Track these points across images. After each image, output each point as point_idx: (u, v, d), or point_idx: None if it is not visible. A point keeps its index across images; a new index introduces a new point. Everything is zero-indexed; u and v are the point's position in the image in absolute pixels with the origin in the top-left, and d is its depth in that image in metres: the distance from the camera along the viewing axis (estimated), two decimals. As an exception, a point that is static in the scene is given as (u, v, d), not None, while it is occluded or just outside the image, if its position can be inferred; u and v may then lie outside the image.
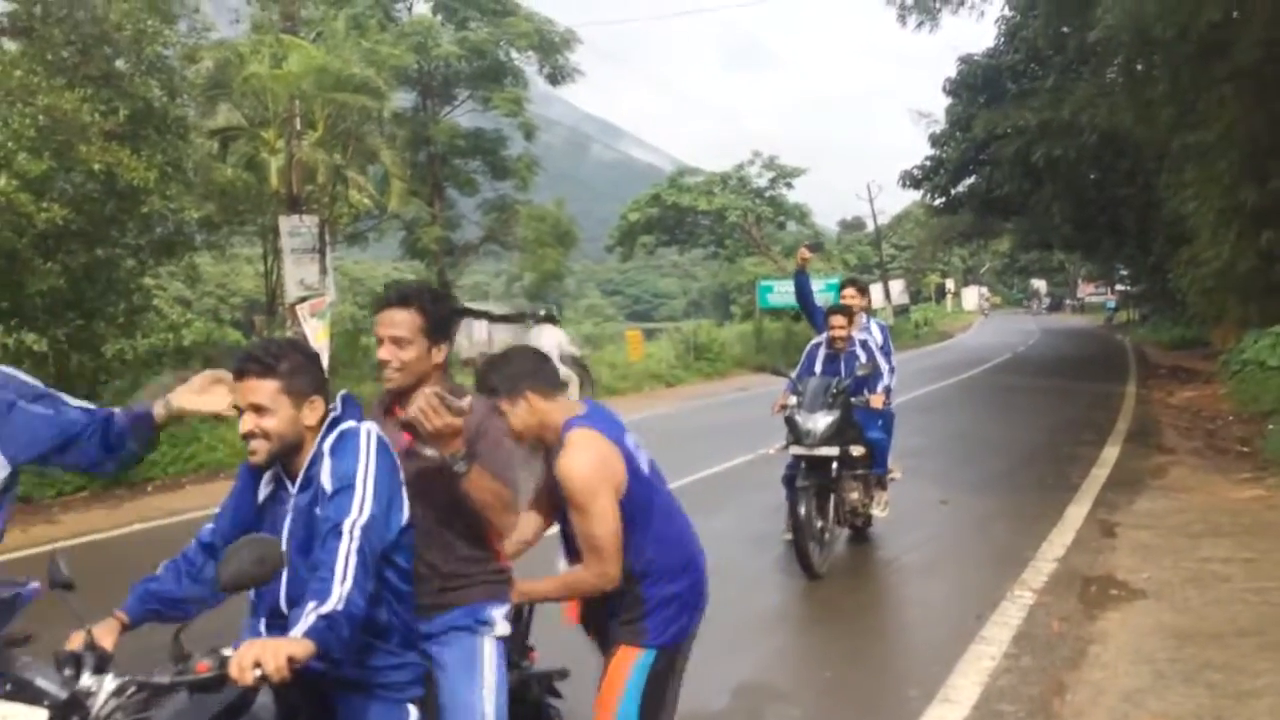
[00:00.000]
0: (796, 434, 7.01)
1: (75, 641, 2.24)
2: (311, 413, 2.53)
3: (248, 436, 2.48)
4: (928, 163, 34.08)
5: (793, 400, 7.16)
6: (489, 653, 2.81)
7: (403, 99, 26.98)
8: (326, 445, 2.48)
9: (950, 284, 77.58)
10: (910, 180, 34.48)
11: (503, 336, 30.55)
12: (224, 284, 37.29)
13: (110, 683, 2.07)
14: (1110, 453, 12.22)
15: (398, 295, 2.83)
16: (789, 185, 44.49)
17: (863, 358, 7.42)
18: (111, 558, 9.17)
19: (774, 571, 7.31)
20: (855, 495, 7.43)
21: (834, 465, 7.01)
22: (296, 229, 15.15)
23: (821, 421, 6.94)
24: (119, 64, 11.11)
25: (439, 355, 2.83)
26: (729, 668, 5.36)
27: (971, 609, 6.24)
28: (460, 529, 2.80)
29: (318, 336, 15.24)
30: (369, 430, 2.50)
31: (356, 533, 2.31)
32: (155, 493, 11.49)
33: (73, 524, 10.09)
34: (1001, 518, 9.06)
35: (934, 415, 17.04)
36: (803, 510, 6.71)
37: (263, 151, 15.05)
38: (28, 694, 2.02)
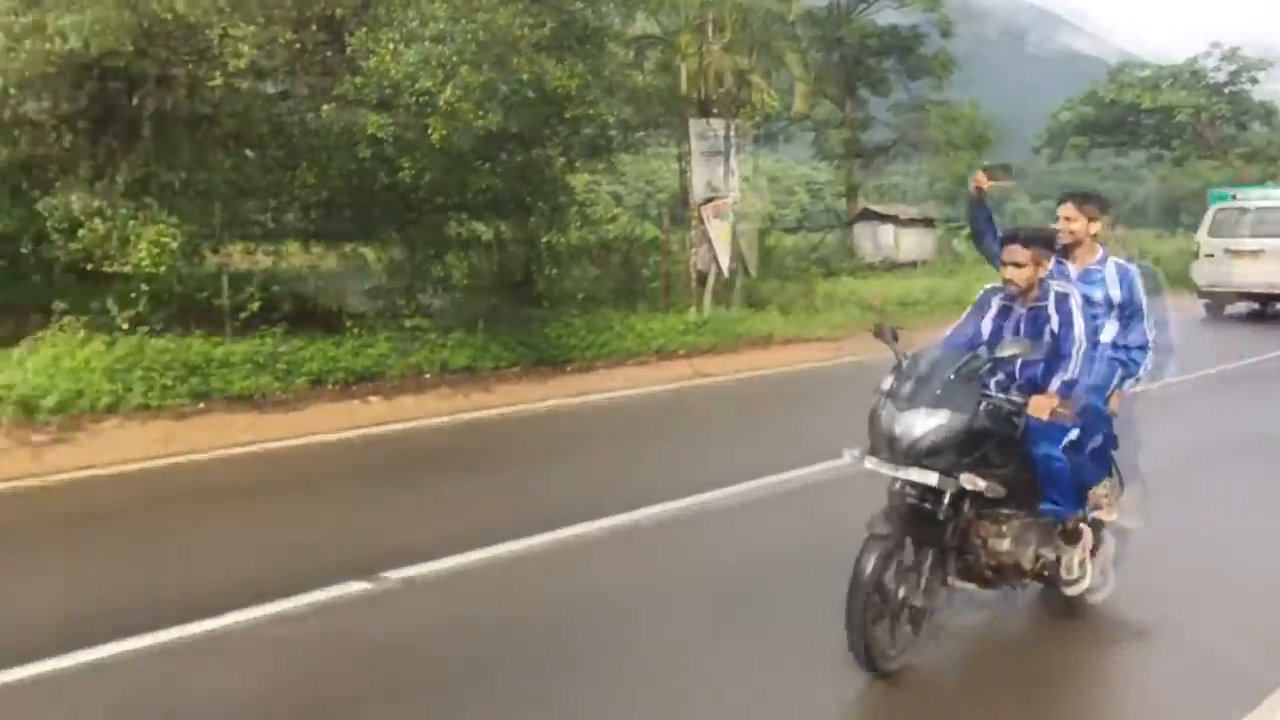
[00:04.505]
0: (875, 439, 4.49)
1: None
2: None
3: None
4: None
5: (886, 384, 4.57)
6: None
7: (818, -2, 26.82)
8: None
9: None
10: None
11: (909, 241, 30.05)
12: (651, 180, 39.72)
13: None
14: None
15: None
16: (1254, 80, 38.98)
17: (1054, 322, 4.70)
18: (531, 427, 10.54)
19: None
20: (1005, 545, 4.71)
21: (943, 499, 4.41)
22: (704, 132, 15.84)
23: (920, 423, 4.34)
24: (548, -22, 12.22)
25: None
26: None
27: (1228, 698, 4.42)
28: None
29: (720, 236, 15.99)
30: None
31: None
32: (572, 373, 12.84)
33: (504, 394, 11.59)
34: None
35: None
36: (869, 568, 4.26)
37: (676, 58, 15.85)
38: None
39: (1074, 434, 4.71)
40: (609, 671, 4.68)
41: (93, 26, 9.14)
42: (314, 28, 10.59)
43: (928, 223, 30.41)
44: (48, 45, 9.29)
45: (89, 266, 10.33)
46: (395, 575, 5.68)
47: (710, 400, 12.33)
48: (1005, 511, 4.68)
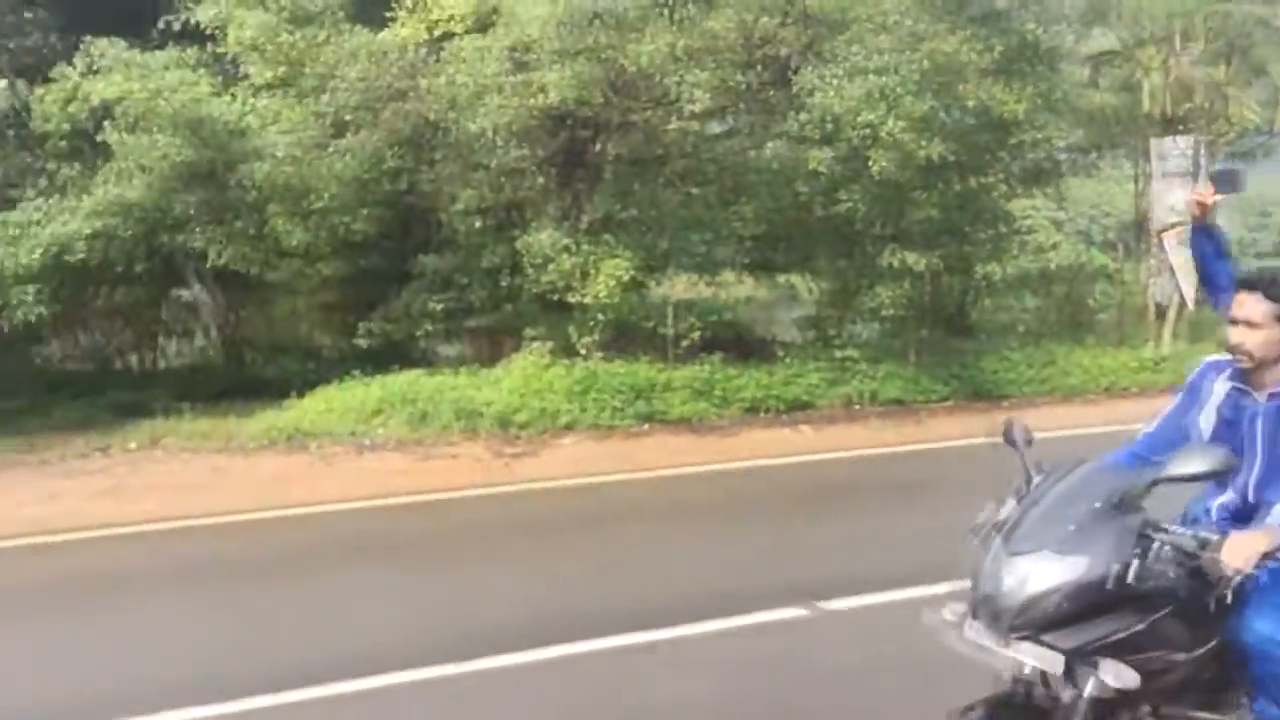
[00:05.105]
0: (974, 594, 2.80)
1: None
2: None
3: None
4: None
5: (1005, 508, 2.93)
6: None
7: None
8: None
9: None
10: None
11: None
12: (1098, 204, 36.72)
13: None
14: None
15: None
16: None
17: None
18: (964, 464, 10.11)
19: None
20: None
21: (1081, 695, 2.64)
22: (1167, 151, 14.47)
23: (1040, 574, 2.67)
24: (1000, 1, 11.84)
25: None
26: None
27: None
28: None
29: (1183, 265, 14.47)
30: None
31: None
32: (1009, 409, 12.18)
33: (935, 428, 11.28)
34: None
35: None
36: None
37: (1137, 73, 14.68)
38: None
39: None
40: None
41: (570, 81, 10.18)
42: (760, 69, 11.02)
43: None
44: (531, 100, 10.48)
45: (554, 297, 11.43)
46: (830, 605, 5.67)
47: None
48: (1199, 715, 2.97)
